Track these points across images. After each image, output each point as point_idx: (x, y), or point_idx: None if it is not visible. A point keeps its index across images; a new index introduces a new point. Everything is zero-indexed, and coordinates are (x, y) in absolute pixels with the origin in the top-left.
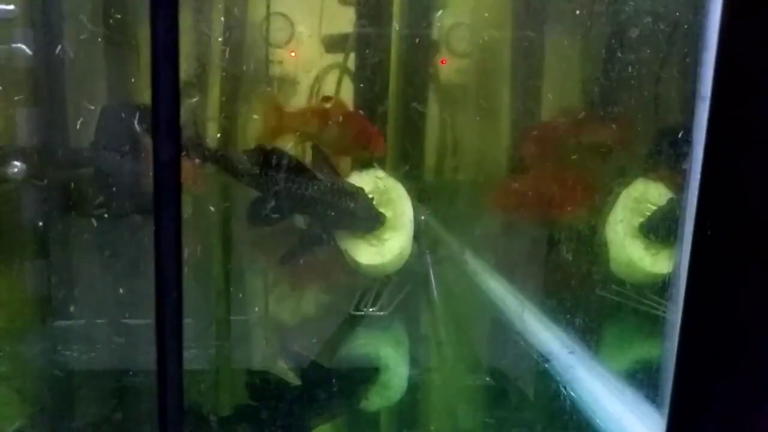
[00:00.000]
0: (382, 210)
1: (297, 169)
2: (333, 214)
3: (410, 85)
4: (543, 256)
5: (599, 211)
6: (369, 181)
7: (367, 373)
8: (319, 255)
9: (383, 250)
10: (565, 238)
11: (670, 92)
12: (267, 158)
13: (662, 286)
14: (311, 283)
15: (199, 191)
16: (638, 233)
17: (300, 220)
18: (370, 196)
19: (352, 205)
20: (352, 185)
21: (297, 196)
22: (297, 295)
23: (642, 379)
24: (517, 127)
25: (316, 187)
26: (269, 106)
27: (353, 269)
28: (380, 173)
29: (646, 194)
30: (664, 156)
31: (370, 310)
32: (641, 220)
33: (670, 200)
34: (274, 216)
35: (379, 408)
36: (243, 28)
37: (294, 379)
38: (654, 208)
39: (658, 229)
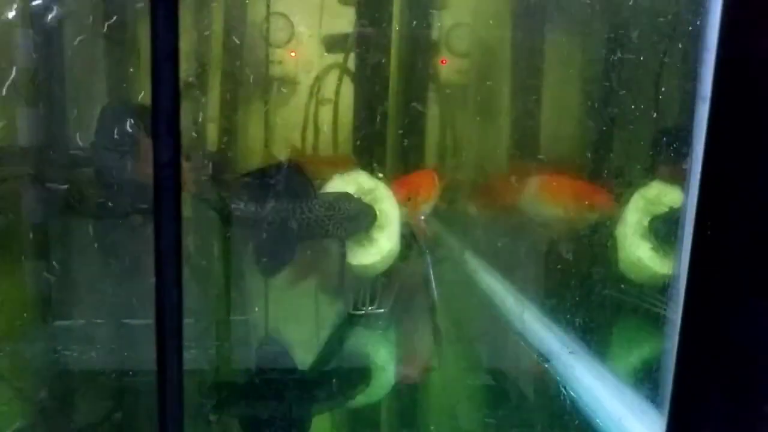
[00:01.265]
0: None
1: (300, 187)
2: (337, 225)
3: (410, 85)
4: (549, 256)
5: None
6: (351, 182)
7: (364, 373)
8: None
9: (373, 250)
10: (571, 238)
11: (672, 92)
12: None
13: (669, 286)
14: (308, 278)
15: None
16: (647, 233)
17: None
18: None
19: (348, 208)
20: (337, 192)
21: (302, 223)
22: (296, 294)
23: (643, 378)
24: (517, 127)
25: (314, 205)
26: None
27: (345, 270)
28: (362, 174)
29: (660, 196)
30: (672, 158)
31: (369, 308)
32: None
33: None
34: (287, 258)
35: (378, 407)
36: (243, 28)
37: (292, 379)
38: (667, 209)
39: (667, 229)
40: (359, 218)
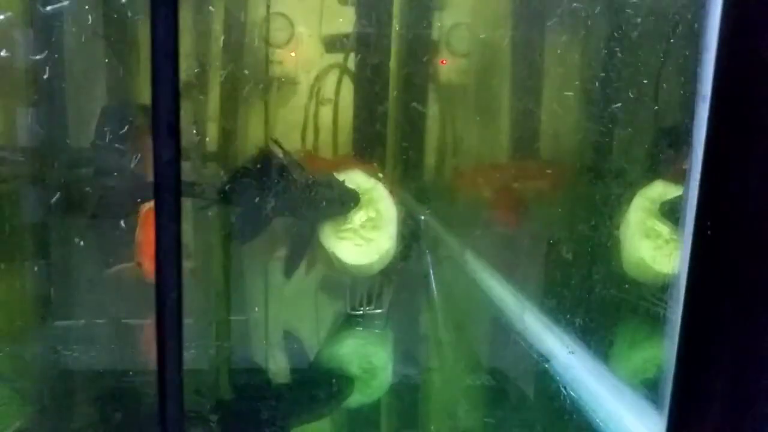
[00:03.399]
0: (363, 210)
1: (285, 169)
2: (313, 205)
3: (410, 85)
4: (550, 256)
5: (613, 211)
6: (348, 182)
7: (347, 381)
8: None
9: (369, 250)
10: (574, 238)
11: (673, 91)
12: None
13: (670, 286)
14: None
15: None
16: (659, 216)
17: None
18: None
19: (326, 190)
20: (324, 174)
21: (281, 200)
22: (295, 294)
23: (643, 378)
24: (517, 127)
25: (294, 185)
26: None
27: (341, 270)
28: (360, 174)
29: (664, 196)
30: (674, 157)
31: (367, 309)
32: (656, 220)
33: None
34: (260, 226)
35: (378, 408)
36: (243, 28)
37: (288, 379)
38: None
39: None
40: (334, 201)
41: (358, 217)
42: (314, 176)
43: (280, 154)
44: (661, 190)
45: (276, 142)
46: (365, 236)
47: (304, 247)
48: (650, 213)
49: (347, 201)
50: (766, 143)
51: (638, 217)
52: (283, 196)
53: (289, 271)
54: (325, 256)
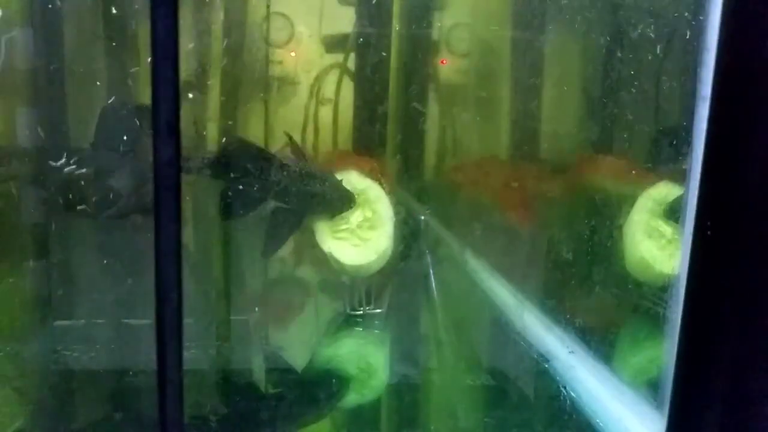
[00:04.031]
0: (359, 210)
1: (265, 157)
2: (304, 198)
3: (410, 85)
4: (549, 256)
5: (616, 211)
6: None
7: (359, 374)
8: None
9: (366, 250)
10: (575, 238)
11: (675, 92)
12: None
13: (670, 286)
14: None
15: None
16: (664, 215)
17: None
18: None
19: (321, 187)
20: (321, 171)
21: (267, 184)
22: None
23: (644, 379)
24: (517, 127)
25: (285, 173)
26: None
27: (339, 270)
28: (354, 174)
29: (668, 197)
30: (677, 158)
31: (366, 308)
32: (660, 220)
33: None
34: (246, 207)
35: (378, 408)
36: (243, 28)
37: (286, 380)
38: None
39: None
40: (327, 199)
41: (355, 217)
42: (312, 169)
43: (291, 145)
44: (665, 191)
45: (287, 134)
46: (362, 236)
47: (286, 232)
48: (654, 213)
49: (340, 201)
50: (766, 143)
51: (642, 217)
52: (272, 177)
53: (266, 252)
54: (322, 257)
